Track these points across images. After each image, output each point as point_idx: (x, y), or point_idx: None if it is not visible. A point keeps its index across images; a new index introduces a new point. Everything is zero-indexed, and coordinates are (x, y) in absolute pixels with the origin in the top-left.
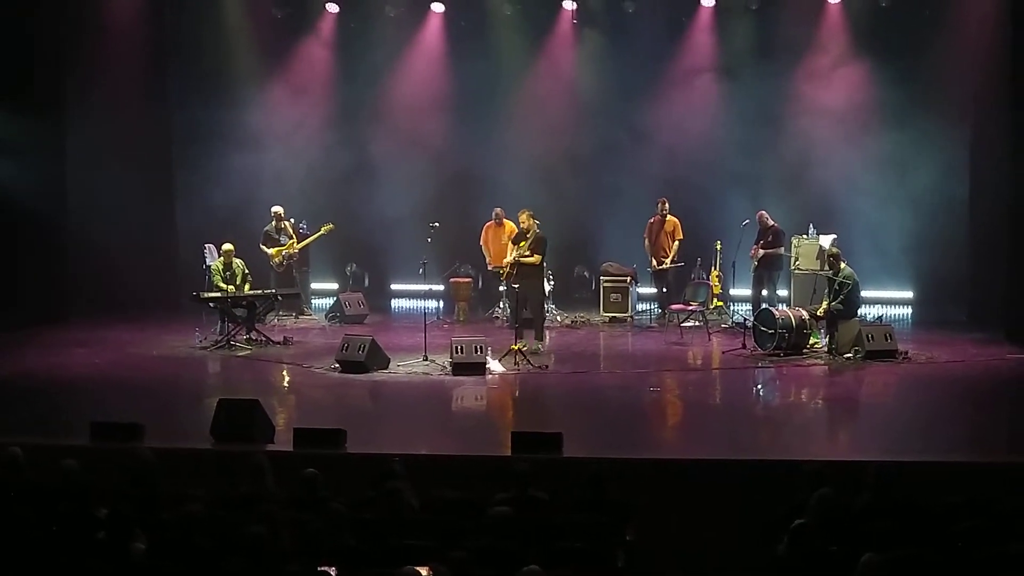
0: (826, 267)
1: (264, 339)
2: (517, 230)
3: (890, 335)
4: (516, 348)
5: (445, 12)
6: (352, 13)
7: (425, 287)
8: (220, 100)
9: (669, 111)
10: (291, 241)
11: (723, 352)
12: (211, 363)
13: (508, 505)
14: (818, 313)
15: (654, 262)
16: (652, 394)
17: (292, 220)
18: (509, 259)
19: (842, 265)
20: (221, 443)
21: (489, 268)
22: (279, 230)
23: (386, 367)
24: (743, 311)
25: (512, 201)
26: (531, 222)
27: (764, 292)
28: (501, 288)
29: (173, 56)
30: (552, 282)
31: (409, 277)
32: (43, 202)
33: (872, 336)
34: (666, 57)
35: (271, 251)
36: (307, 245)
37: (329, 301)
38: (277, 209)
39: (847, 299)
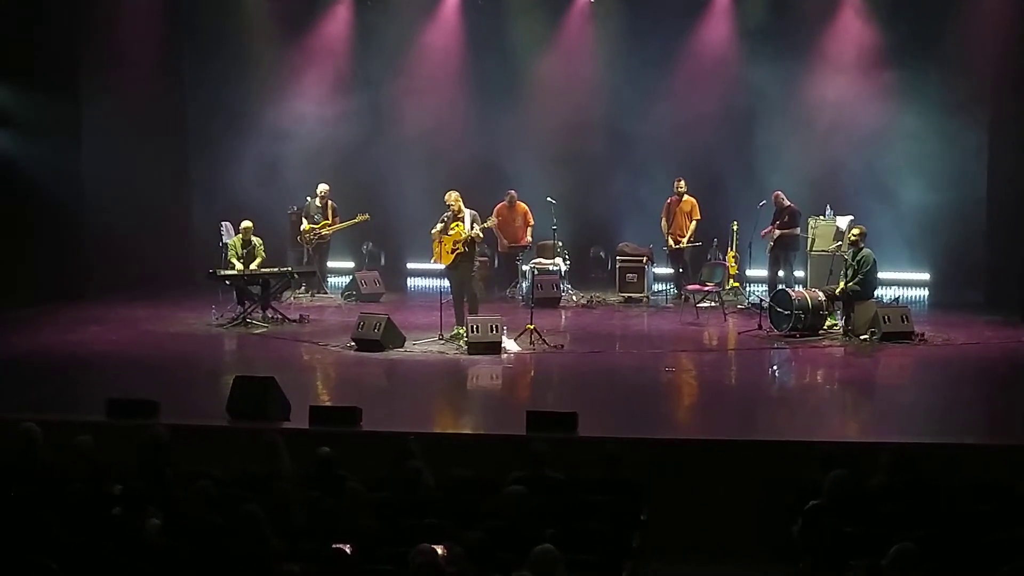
0: (847, 247)
1: (280, 317)
2: (451, 213)
3: (907, 317)
4: (531, 328)
5: None
6: None
7: (441, 266)
8: (236, 78)
9: (687, 91)
10: (325, 221)
11: (739, 333)
12: (227, 341)
13: (523, 484)
14: (836, 292)
15: (671, 241)
16: (667, 374)
17: (333, 203)
18: (450, 243)
19: (862, 246)
20: (237, 420)
21: (501, 250)
22: (321, 208)
23: (401, 345)
24: (759, 292)
25: (528, 181)
26: (460, 203)
27: (780, 273)
28: (525, 268)
29: (189, 34)
30: (568, 262)
31: (425, 256)
32: (59, 180)
33: (889, 318)
34: (684, 35)
35: (305, 226)
36: (337, 231)
37: (345, 279)
38: (323, 187)
39: (864, 280)
